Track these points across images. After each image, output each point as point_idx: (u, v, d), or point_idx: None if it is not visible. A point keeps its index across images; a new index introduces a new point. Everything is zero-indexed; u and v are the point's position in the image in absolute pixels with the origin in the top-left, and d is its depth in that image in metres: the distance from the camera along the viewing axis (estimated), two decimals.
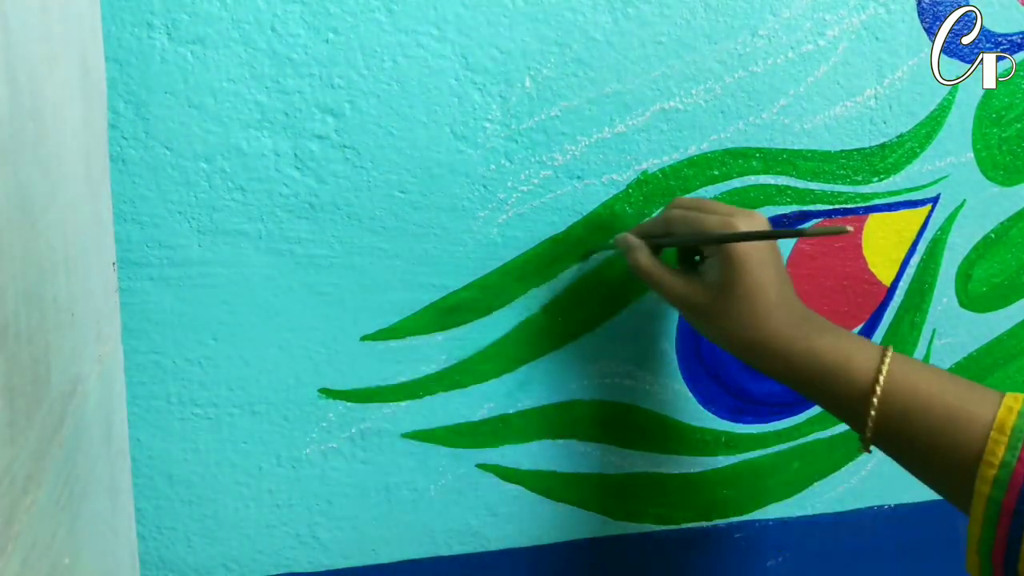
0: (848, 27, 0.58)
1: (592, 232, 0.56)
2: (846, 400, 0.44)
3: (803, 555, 0.66)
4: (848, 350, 0.44)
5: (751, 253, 0.45)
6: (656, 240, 0.50)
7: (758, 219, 0.46)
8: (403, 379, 0.54)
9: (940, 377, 0.43)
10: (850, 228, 0.39)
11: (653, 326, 0.59)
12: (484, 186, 0.53)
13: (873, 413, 0.43)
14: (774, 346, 0.45)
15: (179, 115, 0.47)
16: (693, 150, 0.56)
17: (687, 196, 0.56)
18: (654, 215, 0.55)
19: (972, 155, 0.63)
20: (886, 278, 0.63)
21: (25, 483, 0.30)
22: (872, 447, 0.44)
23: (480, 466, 0.57)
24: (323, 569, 0.55)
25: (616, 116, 0.55)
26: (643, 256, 0.49)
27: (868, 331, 0.64)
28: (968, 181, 0.63)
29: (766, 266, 0.45)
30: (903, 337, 0.65)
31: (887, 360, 0.43)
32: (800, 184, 0.59)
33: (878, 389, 0.43)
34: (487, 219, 0.54)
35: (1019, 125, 0.63)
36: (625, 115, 0.55)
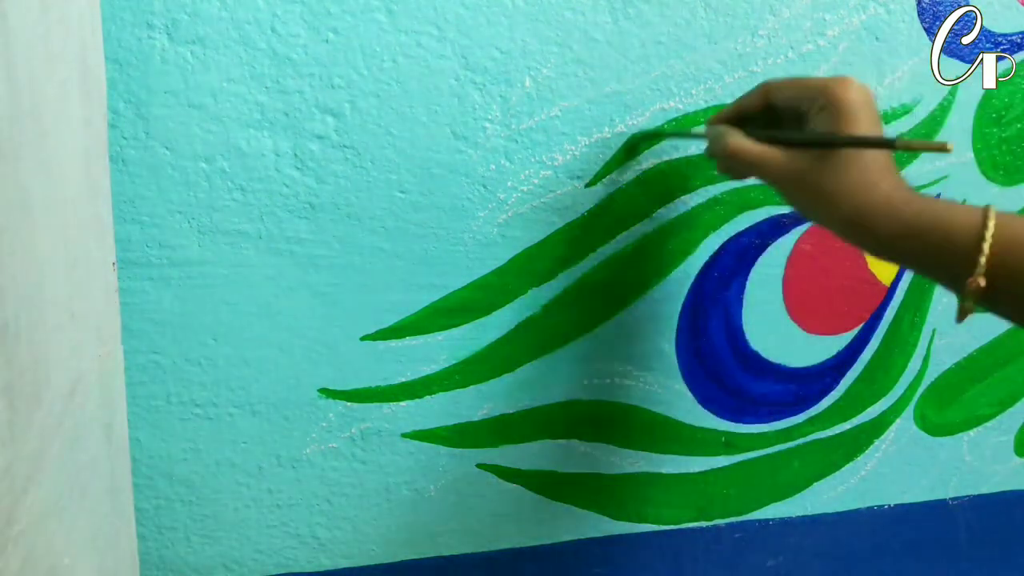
0: (848, 27, 0.58)
1: (592, 232, 0.56)
2: (956, 254, 0.42)
3: (803, 555, 0.66)
4: (950, 208, 0.43)
5: (861, 108, 0.42)
6: (752, 130, 0.47)
7: (854, 84, 0.44)
8: (403, 379, 0.54)
9: None
10: (950, 147, 0.39)
11: (653, 326, 0.59)
12: (484, 186, 0.53)
13: (984, 258, 0.41)
14: (887, 210, 0.42)
15: (179, 115, 0.47)
16: (693, 150, 0.56)
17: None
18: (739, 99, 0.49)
19: (972, 155, 0.63)
20: (886, 278, 0.63)
21: (25, 483, 0.30)
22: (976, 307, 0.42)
23: (480, 466, 0.57)
24: (323, 569, 0.55)
25: (616, 116, 0.55)
26: (735, 138, 0.46)
27: (868, 331, 0.64)
28: (968, 181, 0.63)
29: (877, 125, 0.44)
30: (903, 337, 0.65)
31: (990, 213, 0.42)
32: None
33: (987, 235, 0.40)
34: (487, 219, 0.54)
35: (1019, 125, 0.63)
36: (625, 115, 0.55)
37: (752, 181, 0.58)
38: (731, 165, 0.47)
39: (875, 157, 0.43)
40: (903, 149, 0.42)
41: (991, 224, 0.41)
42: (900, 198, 0.43)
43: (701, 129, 0.51)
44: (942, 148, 0.40)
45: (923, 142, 0.40)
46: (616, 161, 0.55)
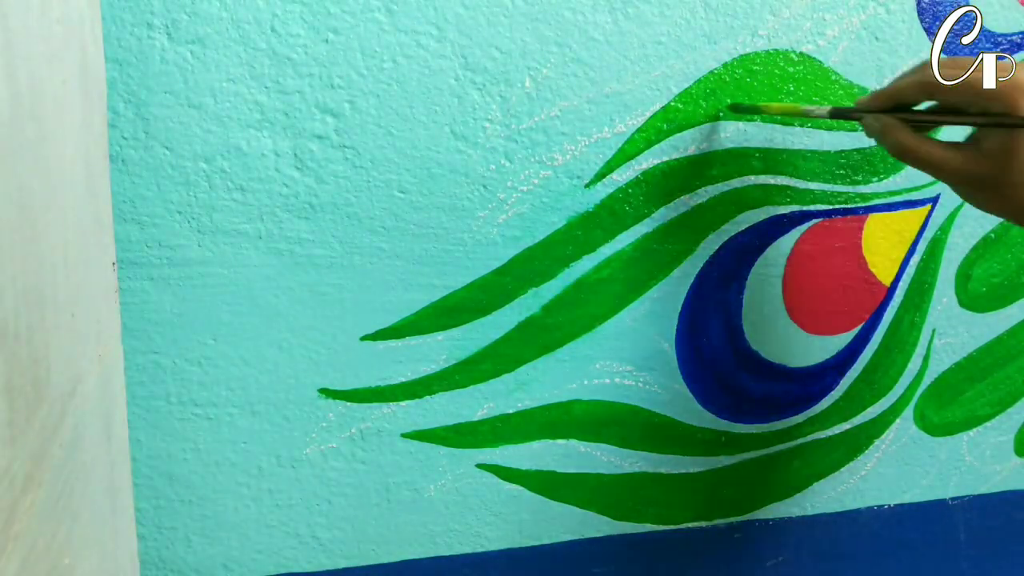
0: (848, 27, 0.58)
1: (592, 232, 0.55)
2: None
3: (803, 555, 0.66)
4: None
5: None
6: (910, 116, 0.46)
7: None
8: (403, 379, 0.54)
9: None
10: None
11: (653, 326, 0.59)
12: (484, 186, 0.53)
13: None
14: None
15: (179, 115, 0.47)
16: (693, 150, 0.56)
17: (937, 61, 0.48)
18: (896, 80, 0.48)
19: None
20: (886, 278, 0.63)
21: (25, 483, 0.30)
22: None
23: (480, 466, 0.57)
24: (323, 569, 0.55)
25: (616, 116, 0.55)
26: (905, 136, 0.45)
27: (868, 331, 0.64)
28: None
29: None
30: (903, 336, 0.65)
31: None
32: (800, 184, 0.59)
33: None
34: (487, 219, 0.54)
35: None
36: (625, 115, 0.55)
37: (752, 181, 0.58)
38: (901, 158, 0.47)
39: None
40: None
41: None
42: None
43: (821, 110, 0.51)
44: None
45: None
46: (616, 161, 0.55)
